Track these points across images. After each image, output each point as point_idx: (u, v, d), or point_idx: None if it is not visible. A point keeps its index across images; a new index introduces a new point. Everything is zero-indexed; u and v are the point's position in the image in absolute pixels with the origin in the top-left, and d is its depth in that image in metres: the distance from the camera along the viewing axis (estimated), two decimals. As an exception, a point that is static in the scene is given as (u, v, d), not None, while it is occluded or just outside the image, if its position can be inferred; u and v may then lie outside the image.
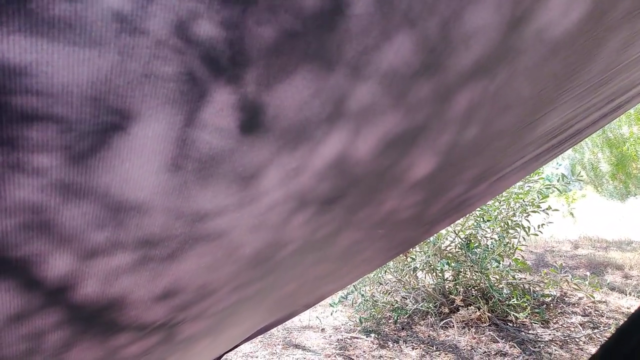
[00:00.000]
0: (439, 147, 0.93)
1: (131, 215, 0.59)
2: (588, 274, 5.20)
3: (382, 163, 0.86)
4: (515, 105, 0.95)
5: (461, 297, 5.15)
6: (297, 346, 4.97)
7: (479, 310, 4.91)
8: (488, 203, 5.32)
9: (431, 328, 4.94)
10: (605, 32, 0.87)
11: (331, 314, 5.68)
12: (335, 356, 4.56)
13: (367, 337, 4.98)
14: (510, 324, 4.74)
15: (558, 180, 5.33)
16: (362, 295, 5.46)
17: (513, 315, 4.72)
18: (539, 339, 4.32)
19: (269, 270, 0.95)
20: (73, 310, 0.64)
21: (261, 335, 5.33)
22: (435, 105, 0.79)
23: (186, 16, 0.44)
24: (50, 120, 0.43)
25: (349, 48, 0.58)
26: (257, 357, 4.77)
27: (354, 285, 5.67)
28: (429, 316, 5.15)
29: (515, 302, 4.74)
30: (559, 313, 4.92)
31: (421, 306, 5.19)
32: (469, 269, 5.20)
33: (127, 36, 0.42)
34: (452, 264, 5.24)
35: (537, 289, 5.42)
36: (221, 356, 1.58)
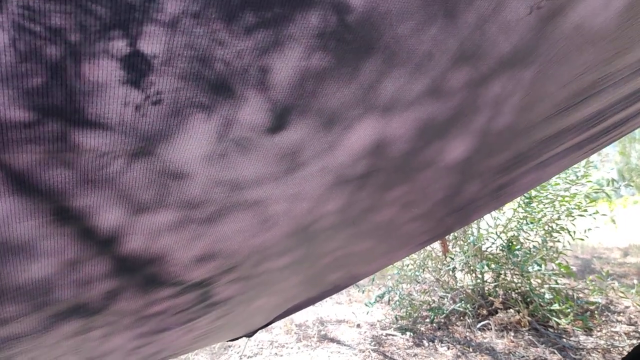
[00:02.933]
0: (473, 131, 0.94)
1: (175, 177, 0.64)
2: (636, 282, 4.97)
3: (415, 144, 0.88)
4: (552, 90, 0.95)
5: (500, 299, 5.04)
6: (332, 340, 5.01)
7: (519, 313, 4.79)
8: (532, 205, 5.17)
9: (468, 329, 4.86)
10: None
11: (367, 314, 5.69)
12: (369, 352, 4.57)
13: (402, 334, 4.96)
14: (551, 330, 4.60)
15: (608, 185, 5.12)
16: (399, 293, 5.44)
17: (554, 320, 4.58)
18: (581, 346, 4.17)
19: (303, 241, 0.99)
20: (120, 262, 0.70)
21: (296, 328, 5.41)
22: (470, 91, 0.80)
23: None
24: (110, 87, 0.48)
25: (388, 32, 0.61)
26: (292, 349, 4.84)
27: (391, 284, 5.66)
28: (467, 317, 5.07)
29: (557, 307, 4.59)
30: (603, 321, 4.73)
31: (459, 307, 5.12)
32: (510, 271, 5.08)
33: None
34: (492, 266, 5.13)
35: (581, 295, 5.23)
36: (254, 332, 1.64)
